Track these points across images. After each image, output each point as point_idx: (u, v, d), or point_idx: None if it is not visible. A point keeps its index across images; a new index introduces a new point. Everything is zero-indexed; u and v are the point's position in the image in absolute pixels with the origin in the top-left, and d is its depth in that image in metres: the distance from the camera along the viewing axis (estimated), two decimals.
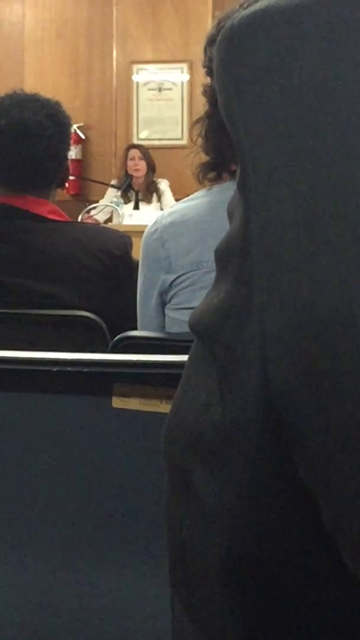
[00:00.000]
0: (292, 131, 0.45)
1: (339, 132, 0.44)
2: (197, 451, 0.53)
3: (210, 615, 0.55)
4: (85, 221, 5.65)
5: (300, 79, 0.46)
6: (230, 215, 0.53)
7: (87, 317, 2.12)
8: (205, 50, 1.83)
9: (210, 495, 0.52)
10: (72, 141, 2.47)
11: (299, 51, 0.46)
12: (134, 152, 6.74)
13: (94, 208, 6.23)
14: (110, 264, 2.24)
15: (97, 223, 5.78)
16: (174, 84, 7.65)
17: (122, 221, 5.98)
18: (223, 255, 0.53)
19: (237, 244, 0.50)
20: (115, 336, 1.93)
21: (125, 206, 6.41)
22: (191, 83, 7.46)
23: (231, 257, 0.51)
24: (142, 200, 6.61)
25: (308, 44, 0.46)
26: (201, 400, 0.53)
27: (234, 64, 0.49)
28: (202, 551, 0.54)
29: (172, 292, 1.91)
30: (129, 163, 6.70)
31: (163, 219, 1.92)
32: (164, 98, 7.69)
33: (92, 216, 6.12)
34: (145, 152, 6.76)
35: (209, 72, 1.83)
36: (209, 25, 6.46)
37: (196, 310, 0.56)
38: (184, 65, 7.54)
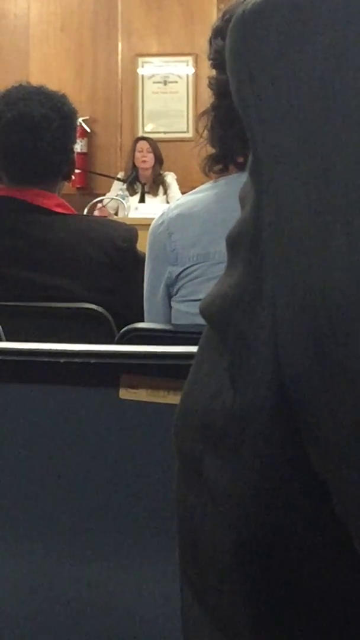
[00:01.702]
0: (304, 116, 0.45)
1: (351, 116, 0.44)
2: (208, 438, 0.53)
3: (221, 601, 0.55)
4: (97, 212, 5.65)
5: (313, 64, 0.46)
6: (242, 201, 0.52)
7: (93, 310, 2.13)
8: (210, 42, 1.83)
9: (220, 482, 0.52)
10: (77, 134, 2.47)
11: (310, 36, 0.46)
12: (143, 144, 6.74)
13: (100, 201, 6.23)
14: (117, 256, 2.24)
15: (108, 215, 5.78)
16: (179, 76, 7.64)
17: (127, 214, 5.98)
18: (235, 241, 0.53)
19: (248, 229, 0.50)
20: (121, 328, 1.93)
21: (131, 199, 6.41)
22: (197, 76, 7.44)
23: (243, 242, 0.51)
24: (149, 193, 6.60)
25: (320, 29, 0.46)
26: (212, 386, 0.53)
27: (246, 50, 0.49)
28: (213, 538, 0.54)
29: (178, 285, 1.91)
30: (137, 155, 6.69)
31: (170, 212, 1.93)
32: (169, 91, 7.68)
33: (103, 207, 6.11)
34: (154, 144, 6.75)
35: (215, 65, 1.83)
36: (214, 17, 6.45)
37: (207, 296, 0.55)
38: (190, 58, 7.53)
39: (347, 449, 0.44)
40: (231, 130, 1.76)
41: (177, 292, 1.92)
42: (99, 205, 5.86)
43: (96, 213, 5.84)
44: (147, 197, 6.55)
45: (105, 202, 6.30)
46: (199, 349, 0.56)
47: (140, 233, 2.34)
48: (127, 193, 6.44)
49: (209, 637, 0.58)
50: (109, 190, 6.81)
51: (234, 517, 0.51)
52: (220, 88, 1.78)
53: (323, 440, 0.46)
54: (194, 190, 1.95)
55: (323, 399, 0.45)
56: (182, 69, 7.61)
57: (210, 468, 0.53)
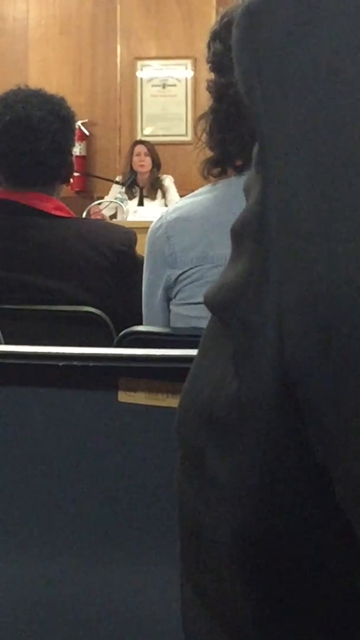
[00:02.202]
0: (311, 106, 0.45)
1: (359, 107, 0.44)
2: (211, 428, 0.52)
3: (222, 597, 0.55)
4: (94, 216, 5.66)
5: (320, 53, 0.46)
6: (246, 192, 0.52)
7: (92, 313, 2.13)
8: (209, 45, 1.83)
9: (222, 472, 0.52)
10: (76, 137, 2.48)
11: (318, 24, 0.46)
12: (140, 148, 6.75)
13: (99, 204, 6.24)
14: (116, 259, 2.25)
15: (104, 218, 5.79)
16: (178, 80, 7.65)
17: (126, 217, 5.99)
18: (239, 232, 0.53)
19: (253, 220, 0.50)
20: (120, 332, 1.93)
21: (129, 202, 6.42)
22: (195, 79, 7.46)
23: (248, 232, 0.51)
24: (147, 196, 6.62)
25: (327, 19, 0.46)
26: (216, 376, 0.52)
27: (253, 40, 0.49)
28: (214, 530, 0.53)
29: (177, 288, 1.91)
30: (135, 159, 6.71)
31: (168, 215, 1.93)
32: (168, 94, 7.69)
33: (100, 210, 6.12)
34: (152, 148, 6.76)
35: (213, 68, 1.83)
36: (213, 21, 6.45)
37: (212, 286, 0.55)
38: (188, 62, 7.54)
39: (352, 440, 0.44)
40: (230, 133, 1.76)
41: (175, 295, 1.92)
42: (94, 209, 5.87)
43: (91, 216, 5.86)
44: (146, 201, 6.56)
45: (103, 205, 6.31)
46: (203, 339, 0.56)
47: (139, 236, 2.34)
48: (125, 196, 6.45)
49: (210, 634, 0.57)
50: (107, 194, 6.81)
51: (236, 509, 0.51)
52: (219, 91, 1.78)
53: (327, 431, 0.46)
54: (192, 194, 1.96)
55: (328, 389, 0.45)
56: (181, 72, 7.62)
57: (213, 459, 0.52)
